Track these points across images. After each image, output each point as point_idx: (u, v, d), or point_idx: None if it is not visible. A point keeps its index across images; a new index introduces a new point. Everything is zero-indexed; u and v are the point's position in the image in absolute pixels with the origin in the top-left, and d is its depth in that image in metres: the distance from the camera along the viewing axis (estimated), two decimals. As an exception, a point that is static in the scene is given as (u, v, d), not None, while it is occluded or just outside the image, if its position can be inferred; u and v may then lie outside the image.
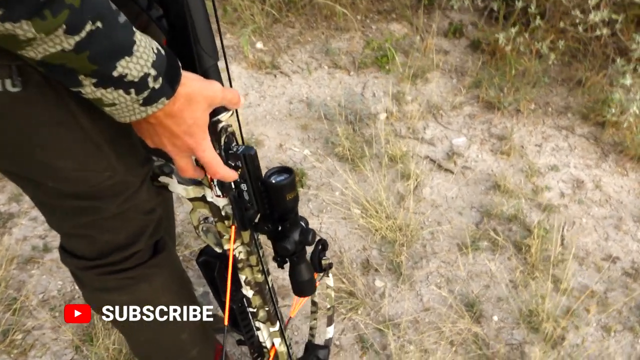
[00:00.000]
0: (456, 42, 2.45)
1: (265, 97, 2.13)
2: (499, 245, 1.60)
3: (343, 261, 1.55)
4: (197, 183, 0.81)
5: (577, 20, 1.84)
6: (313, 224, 1.67)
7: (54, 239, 1.59)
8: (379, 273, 1.53)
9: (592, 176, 1.88)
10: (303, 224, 0.80)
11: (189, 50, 0.63)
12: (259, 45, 2.35)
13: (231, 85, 0.72)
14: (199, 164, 0.72)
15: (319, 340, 1.34)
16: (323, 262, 0.93)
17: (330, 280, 1.05)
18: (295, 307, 1.12)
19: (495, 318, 1.44)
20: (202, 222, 0.87)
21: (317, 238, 0.90)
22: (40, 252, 1.56)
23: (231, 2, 2.39)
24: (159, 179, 0.82)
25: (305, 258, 0.84)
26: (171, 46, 0.64)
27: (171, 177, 0.81)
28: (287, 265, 0.86)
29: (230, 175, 0.69)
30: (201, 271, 0.95)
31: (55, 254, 1.54)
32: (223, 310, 1.04)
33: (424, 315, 1.44)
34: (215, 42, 0.68)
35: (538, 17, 1.98)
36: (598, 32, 1.81)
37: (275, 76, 2.22)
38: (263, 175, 0.75)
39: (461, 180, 1.84)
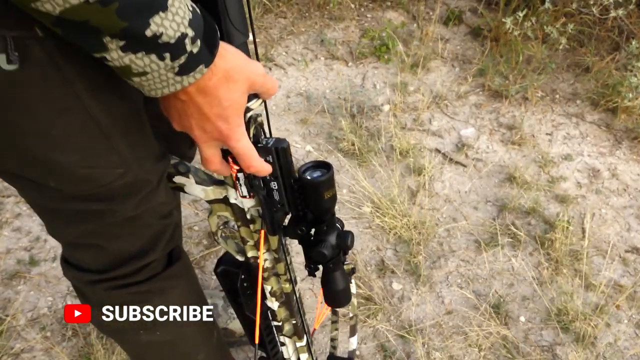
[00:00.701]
0: (455, 30, 2.36)
1: (261, 91, 2.02)
2: (519, 241, 1.52)
3: (357, 263, 1.45)
4: (218, 183, 0.70)
5: (592, 1, 1.76)
6: (322, 224, 1.57)
7: (41, 250, 1.45)
8: (396, 275, 1.43)
9: (607, 164, 1.81)
10: (339, 225, 0.69)
11: (219, 27, 0.53)
12: (250, 37, 2.23)
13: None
14: (225, 156, 0.61)
15: (341, 352, 1.24)
16: (345, 267, 0.83)
17: (352, 287, 0.95)
18: (318, 317, 1.01)
19: (523, 319, 1.36)
20: (221, 227, 0.76)
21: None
22: (27, 266, 1.42)
23: (220, -8, 2.26)
24: (174, 179, 0.70)
25: (341, 265, 0.73)
26: None
27: (188, 177, 0.70)
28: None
29: (265, 168, 0.59)
30: (220, 282, 0.84)
31: (44, 267, 1.41)
32: (242, 325, 0.93)
33: (448, 319, 1.35)
34: (245, 17, 0.57)
35: (547, 1, 1.89)
36: (613, 13, 1.73)
37: (270, 69, 2.10)
38: (296, 172, 0.64)
39: (473, 173, 1.75)
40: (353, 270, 0.86)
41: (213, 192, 0.70)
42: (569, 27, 1.89)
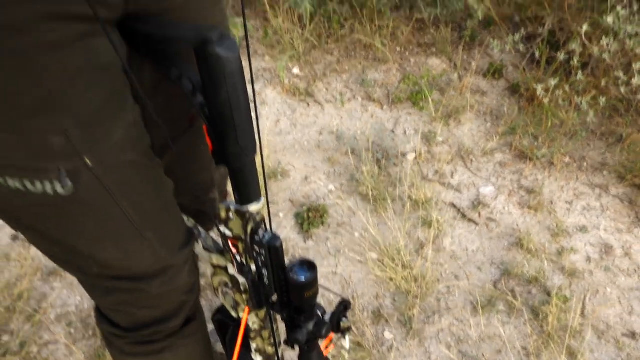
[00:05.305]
0: (495, 83, 2.41)
1: (297, 125, 2.14)
2: (515, 309, 1.57)
3: (355, 308, 1.55)
4: (221, 253, 0.82)
5: (620, 82, 1.79)
6: (330, 264, 1.67)
7: (78, 252, 1.63)
8: (389, 324, 1.52)
9: (622, 242, 1.83)
10: (320, 313, 0.80)
11: (227, 145, 0.63)
12: (296, 70, 2.36)
13: (255, 100, 0.70)
14: (225, 243, 0.73)
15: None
16: (342, 324, 0.91)
17: (346, 342, 1.03)
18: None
19: (504, 386, 1.42)
20: (221, 285, 0.88)
21: (340, 300, 0.88)
22: (63, 265, 1.60)
23: (272, 25, 2.41)
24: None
25: (317, 347, 0.84)
26: (210, 135, 0.65)
27: (197, 242, 0.83)
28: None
29: None
30: (215, 328, 0.97)
31: (77, 270, 1.59)
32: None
33: (432, 375, 1.43)
34: (255, 134, 0.67)
35: (580, 72, 1.93)
36: (642, 98, 1.75)
37: (308, 104, 2.23)
38: (287, 264, 0.75)
39: (485, 232, 1.81)
40: (349, 329, 0.95)
41: (216, 259, 0.82)
42: (602, 100, 1.92)
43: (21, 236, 1.55)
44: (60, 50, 0.47)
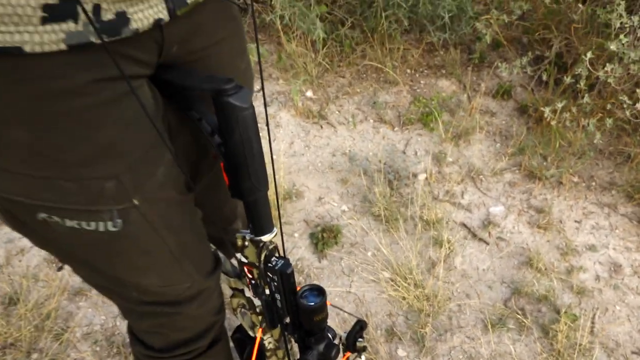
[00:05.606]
0: (503, 104, 2.46)
1: (310, 147, 2.22)
2: (525, 327, 1.61)
3: (368, 326, 1.59)
4: (239, 277, 0.89)
5: (625, 105, 1.83)
6: (343, 283, 1.73)
7: (102, 273, 1.71)
8: (402, 342, 1.57)
9: (631, 260, 1.85)
10: (330, 335, 0.85)
11: (240, 181, 0.70)
12: (309, 93, 2.44)
13: (268, 123, 0.76)
14: (241, 268, 0.79)
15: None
16: (358, 344, 0.94)
17: None
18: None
19: (515, 404, 1.45)
20: (240, 306, 0.94)
21: (356, 320, 0.93)
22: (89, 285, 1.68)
23: (286, 49, 2.50)
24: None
25: None
26: (227, 171, 0.72)
27: None
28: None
29: None
30: (234, 346, 1.03)
31: (102, 290, 1.66)
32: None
33: (443, 392, 1.46)
34: (266, 171, 0.74)
35: (586, 94, 1.97)
36: (647, 120, 1.79)
37: (321, 127, 2.30)
38: (298, 289, 0.81)
39: (495, 251, 1.85)
40: (364, 349, 1.00)
41: (234, 283, 0.89)
42: (608, 122, 1.96)
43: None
44: (112, 106, 0.55)
